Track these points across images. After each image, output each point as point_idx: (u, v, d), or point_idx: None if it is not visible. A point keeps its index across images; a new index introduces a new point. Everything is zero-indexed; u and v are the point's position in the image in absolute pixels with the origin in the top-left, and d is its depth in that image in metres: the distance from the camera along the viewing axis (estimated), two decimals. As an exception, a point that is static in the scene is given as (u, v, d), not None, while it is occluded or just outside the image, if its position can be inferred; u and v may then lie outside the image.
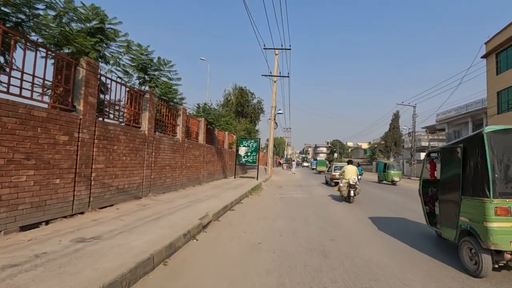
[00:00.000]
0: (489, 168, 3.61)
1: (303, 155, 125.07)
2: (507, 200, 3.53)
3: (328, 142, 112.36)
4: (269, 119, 24.49)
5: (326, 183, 19.41)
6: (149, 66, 9.23)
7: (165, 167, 9.01)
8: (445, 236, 4.69)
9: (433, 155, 6.18)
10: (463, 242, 3.99)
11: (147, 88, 8.45)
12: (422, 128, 45.74)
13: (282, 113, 23.39)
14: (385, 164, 22.56)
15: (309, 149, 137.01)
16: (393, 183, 21.10)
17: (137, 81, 9.09)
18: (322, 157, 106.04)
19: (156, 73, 9.55)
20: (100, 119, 6.17)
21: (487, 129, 3.94)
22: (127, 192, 6.96)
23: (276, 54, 23.99)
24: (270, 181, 20.48)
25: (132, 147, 7.14)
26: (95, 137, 5.74)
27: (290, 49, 23.01)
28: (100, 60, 6.77)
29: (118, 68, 7.47)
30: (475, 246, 3.70)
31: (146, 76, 9.30)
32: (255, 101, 27.01)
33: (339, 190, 10.85)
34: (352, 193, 10.26)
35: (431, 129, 43.36)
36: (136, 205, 6.67)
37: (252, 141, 17.66)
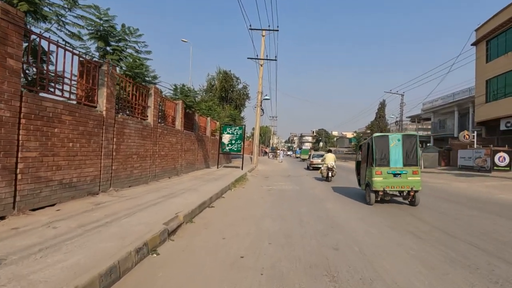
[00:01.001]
0: (374, 153, 7.44)
1: (289, 144, 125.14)
2: (380, 167, 7.32)
3: (313, 131, 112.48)
4: (255, 105, 23.15)
5: (307, 167, 23.54)
6: (111, 34, 7.64)
7: (131, 156, 7.59)
8: (361, 189, 8.83)
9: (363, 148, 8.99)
10: (366, 188, 7.97)
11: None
12: (407, 117, 45.86)
13: (269, 99, 22.16)
14: None
15: (294, 138, 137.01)
16: None
17: (97, 53, 7.52)
18: (307, 146, 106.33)
19: (121, 44, 7.98)
20: (33, 92, 4.66)
21: (375, 134, 7.82)
22: (77, 188, 5.53)
23: (262, 36, 22.46)
24: (256, 171, 19.33)
25: (84, 131, 5.67)
26: (22, 116, 4.26)
27: (277, 30, 21.55)
28: (36, 16, 5.19)
29: (63, 30, 5.87)
30: (369, 190, 7.60)
31: (107, 48, 7.73)
32: (240, 86, 25.49)
33: (321, 172, 14.15)
34: (330, 174, 13.43)
35: (416, 119, 43.43)
36: (88, 204, 5.27)
37: (237, 128, 16.32)
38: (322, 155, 19.91)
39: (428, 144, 39.21)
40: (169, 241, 4.11)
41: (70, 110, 5.29)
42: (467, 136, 22.15)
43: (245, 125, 16.44)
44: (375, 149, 7.45)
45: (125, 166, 7.25)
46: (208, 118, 16.44)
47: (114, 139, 6.75)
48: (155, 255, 3.56)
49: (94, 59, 6.63)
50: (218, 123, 17.65)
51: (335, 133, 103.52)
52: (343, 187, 11.24)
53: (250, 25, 21.24)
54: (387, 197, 7.87)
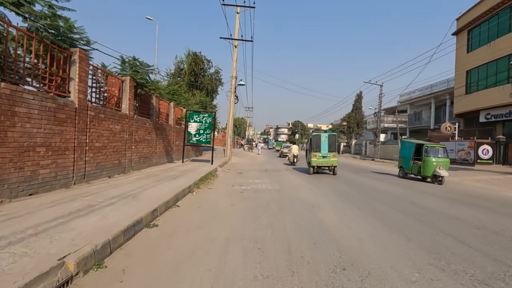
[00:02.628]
0: (312, 144, 12.99)
1: (264, 136, 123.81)
2: (315, 152, 12.64)
3: (289, 123, 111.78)
4: (229, 91, 20.74)
5: (280, 156, 28.38)
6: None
7: (34, 148, 5.05)
8: (308, 167, 13.37)
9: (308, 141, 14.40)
10: (308, 165, 13.39)
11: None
12: (382, 109, 45.60)
13: (244, 85, 19.82)
14: (421, 146, 11.90)
15: (270, 130, 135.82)
16: (436, 180, 11.12)
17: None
18: (283, 138, 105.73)
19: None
20: None
21: (313, 133, 13.73)
22: None
23: (237, 13, 19.95)
24: (229, 164, 17.11)
25: None
26: None
27: (254, 7, 19.16)
28: None
29: None
30: (309, 166, 13.08)
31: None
32: (212, 70, 22.79)
33: (288, 159, 19.28)
34: (295, 160, 18.33)
35: (391, 111, 43.21)
36: None
37: (206, 115, 13.91)
38: (289, 146, 27.25)
39: (403, 137, 39.25)
40: None
41: None
42: (449, 128, 21.43)
43: (215, 112, 14.06)
44: (313, 142, 12.97)
45: (18, 163, 4.72)
46: (171, 104, 13.86)
47: (-8, 122, 4.21)
48: None
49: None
50: (184, 110, 15.11)
51: (310, 125, 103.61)
52: (301, 167, 16.48)
53: (223, 0, 18.63)
54: (319, 170, 13.85)
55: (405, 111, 45.03)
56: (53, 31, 5.83)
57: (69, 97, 6.13)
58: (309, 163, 13.37)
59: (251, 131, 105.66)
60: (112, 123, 7.84)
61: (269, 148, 59.99)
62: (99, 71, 7.66)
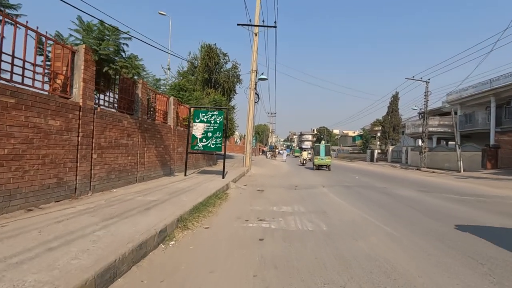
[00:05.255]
0: (315, 150, 21.33)
1: (288, 143, 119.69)
2: (316, 155, 20.64)
3: (314, 130, 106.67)
4: (248, 88, 17.35)
5: (302, 164, 29.05)
6: None
7: None
8: (313, 165, 22.07)
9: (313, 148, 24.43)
10: (312, 164, 22.12)
11: None
12: (418, 112, 40.00)
13: (266, 79, 16.41)
14: None
15: (294, 137, 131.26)
16: None
17: None
18: (307, 145, 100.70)
19: None
20: None
21: (316, 144, 23.54)
22: None
23: (257, -6, 16.69)
24: (247, 177, 13.58)
25: None
26: None
27: (278, -15, 15.76)
28: None
29: None
30: (313, 164, 21.28)
31: None
32: (229, 65, 19.64)
33: (300, 161, 29.10)
34: (305, 162, 27.58)
35: (435, 113, 37.61)
36: None
37: (215, 113, 10.52)
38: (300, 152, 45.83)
39: (448, 142, 33.65)
40: None
41: None
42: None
43: (228, 108, 10.64)
44: (315, 149, 21.15)
45: None
46: (172, 99, 10.65)
47: None
48: None
49: None
50: (192, 109, 11.85)
51: (336, 131, 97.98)
52: (308, 167, 24.16)
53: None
54: (319, 168, 21.09)
55: (448, 114, 39.28)
56: None
57: None
58: (313, 162, 21.86)
59: (274, 138, 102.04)
60: (42, 115, 4.60)
61: (287, 155, 66.57)
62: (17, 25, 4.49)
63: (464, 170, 20.87)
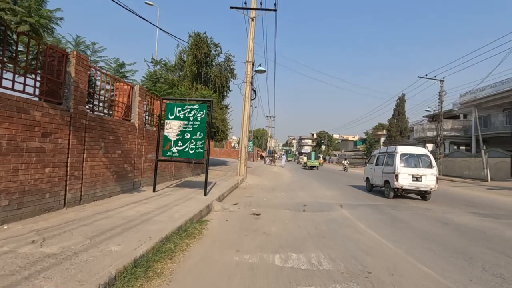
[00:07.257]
0: (307, 156, 36.21)
1: (287, 148, 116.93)
2: (308, 160, 33.99)
3: (313, 134, 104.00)
4: (243, 82, 14.67)
5: (303, 167, 34.88)
6: None
7: None
8: (307, 167, 33.85)
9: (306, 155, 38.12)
10: (305, 166, 35.03)
11: None
12: (432, 115, 37.50)
13: (264, 71, 13.79)
14: None
15: (293, 141, 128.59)
16: None
17: None
18: (307, 149, 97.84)
19: None
20: None
21: (309, 151, 40.79)
22: None
23: (254, -29, 14.13)
24: (240, 190, 10.79)
25: None
26: None
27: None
28: None
29: None
30: (306, 165, 34.39)
31: None
32: (221, 58, 17.01)
33: (301, 164, 38.51)
34: (305, 164, 33.70)
35: (446, 115, 35.04)
36: None
37: (195, 107, 7.77)
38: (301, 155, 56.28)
39: (459, 147, 30.99)
40: None
41: None
42: None
43: (211, 101, 7.90)
44: (307, 155, 34.77)
45: None
46: (137, 87, 7.90)
47: None
48: None
49: None
50: (164, 102, 9.02)
51: (335, 136, 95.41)
52: (306, 169, 30.77)
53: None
54: (312, 169, 31.38)
55: (457, 117, 36.81)
56: None
57: None
58: (305, 164, 33.40)
59: (273, 143, 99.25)
60: None
61: (288, 160, 66.57)
62: None
63: (491, 179, 18.21)
